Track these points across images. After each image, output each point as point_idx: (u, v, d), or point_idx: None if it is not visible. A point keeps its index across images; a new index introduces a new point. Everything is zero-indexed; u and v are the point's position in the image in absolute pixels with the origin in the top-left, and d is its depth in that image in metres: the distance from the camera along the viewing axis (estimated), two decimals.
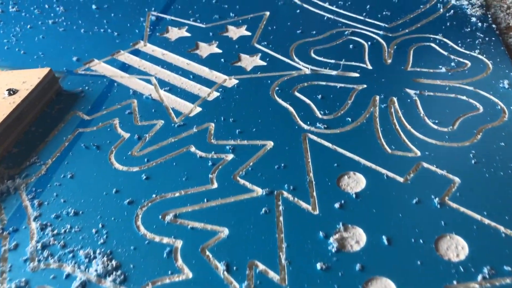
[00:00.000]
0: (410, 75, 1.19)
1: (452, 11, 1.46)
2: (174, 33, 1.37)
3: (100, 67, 1.23)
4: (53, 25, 1.41)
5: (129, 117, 1.06)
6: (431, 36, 1.34)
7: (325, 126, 1.03)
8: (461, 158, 0.95)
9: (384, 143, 0.98)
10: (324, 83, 1.16)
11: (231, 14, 1.46)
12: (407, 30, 1.37)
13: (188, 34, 1.36)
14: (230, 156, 0.96)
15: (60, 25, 1.42)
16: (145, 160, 0.95)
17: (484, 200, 0.85)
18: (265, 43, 1.32)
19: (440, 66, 1.21)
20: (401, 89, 1.14)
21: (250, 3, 1.51)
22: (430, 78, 1.17)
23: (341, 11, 1.47)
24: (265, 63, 1.24)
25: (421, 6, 1.49)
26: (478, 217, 0.82)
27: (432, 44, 1.31)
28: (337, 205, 0.84)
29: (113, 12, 1.47)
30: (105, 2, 1.53)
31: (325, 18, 1.44)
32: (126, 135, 1.01)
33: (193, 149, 0.97)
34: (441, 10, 1.47)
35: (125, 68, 1.22)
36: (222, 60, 1.25)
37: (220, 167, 0.93)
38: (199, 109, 1.09)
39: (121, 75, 1.19)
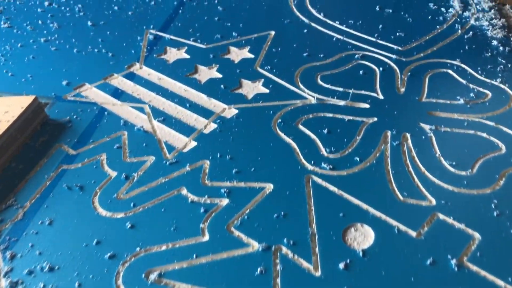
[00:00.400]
0: (425, 107, 1.08)
1: (471, 32, 1.35)
2: (173, 55, 1.28)
3: (91, 92, 1.14)
4: (45, 43, 1.33)
5: (118, 152, 0.97)
6: (448, 61, 1.24)
7: (331, 166, 0.93)
8: (482, 208, 0.84)
9: (396, 189, 0.88)
10: (331, 115, 1.06)
11: (233, 33, 1.36)
12: (422, 54, 1.27)
13: (187, 56, 1.27)
14: (224, 201, 0.86)
15: (52, 43, 1.34)
16: (131, 204, 0.86)
17: (508, 262, 0.75)
18: (269, 67, 1.22)
19: (458, 97, 1.11)
20: (415, 123, 1.04)
21: (255, 22, 1.42)
22: (447, 110, 1.07)
23: (352, 31, 1.37)
24: (267, 90, 1.14)
25: (438, 27, 1.39)
26: (501, 283, 0.72)
27: (449, 71, 1.20)
28: (341, 265, 0.75)
29: (110, 30, 1.39)
30: (102, 18, 1.45)
31: (334, 39, 1.34)
32: (113, 174, 0.92)
33: (184, 191, 0.88)
34: (459, 31, 1.37)
35: (118, 94, 1.14)
36: (222, 86, 1.16)
37: (213, 214, 0.84)
38: (194, 143, 1.00)
39: (113, 102, 1.11)
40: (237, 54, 1.28)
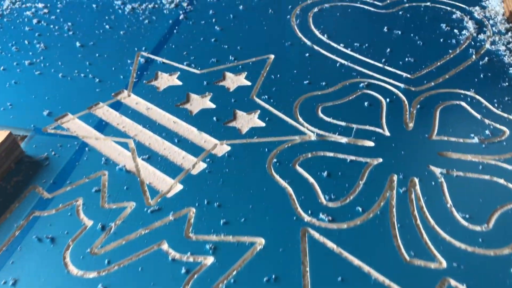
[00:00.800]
0: (435, 146, 0.98)
1: (486, 58, 1.25)
2: (164, 81, 1.19)
3: (74, 124, 1.05)
4: (29, 66, 1.25)
5: (96, 196, 0.88)
6: (462, 92, 1.14)
7: (330, 218, 0.83)
8: (500, 274, 0.74)
9: (402, 246, 0.78)
10: (331, 154, 0.96)
11: (230, 57, 1.27)
12: (432, 83, 1.16)
13: (179, 83, 1.18)
14: (209, 260, 0.77)
15: (37, 66, 1.25)
16: (106, 261, 0.77)
17: None
18: (266, 96, 1.13)
19: (472, 135, 1.00)
20: (424, 166, 0.94)
21: (254, 44, 1.32)
22: (459, 150, 0.97)
23: (357, 55, 1.27)
24: (263, 124, 1.04)
25: (450, 51, 1.28)
26: None
27: (463, 103, 1.10)
28: None
29: (99, 52, 1.30)
30: (92, 38, 1.36)
31: (338, 65, 1.24)
32: (89, 223, 0.83)
33: (165, 246, 0.79)
34: (474, 56, 1.26)
35: (102, 126, 1.05)
36: (215, 118, 1.06)
37: (195, 276, 0.75)
38: (179, 186, 0.90)
39: (96, 136, 1.02)
40: (233, 81, 1.19)
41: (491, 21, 1.42)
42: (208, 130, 1.04)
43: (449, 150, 0.98)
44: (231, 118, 1.08)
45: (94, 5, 1.54)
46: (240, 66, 1.25)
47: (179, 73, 1.23)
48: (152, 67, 1.25)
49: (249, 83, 1.18)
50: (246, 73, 1.22)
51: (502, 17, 1.43)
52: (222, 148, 0.99)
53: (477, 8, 1.49)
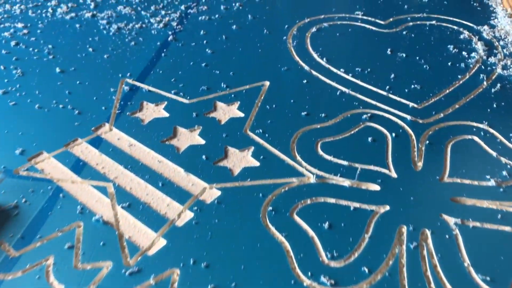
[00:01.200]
0: (447, 190, 0.88)
1: (498, 85, 1.15)
2: (149, 112, 1.09)
3: (48, 165, 0.95)
4: (4, 96, 1.14)
5: (69, 254, 0.77)
6: (474, 124, 1.04)
7: (333, 282, 0.73)
8: None
9: None
10: (333, 200, 0.86)
11: (222, 84, 1.17)
12: (442, 114, 1.06)
13: (166, 114, 1.07)
14: None
15: (12, 96, 1.15)
16: None
17: None
18: (261, 130, 1.02)
19: (488, 176, 0.90)
20: (437, 215, 0.83)
21: (248, 68, 1.23)
22: (474, 195, 0.87)
23: (359, 82, 1.17)
24: (257, 163, 0.94)
25: (459, 77, 1.18)
26: None
27: (475, 138, 1.00)
28: None
29: (80, 78, 1.19)
30: (73, 63, 1.26)
31: (338, 93, 1.14)
32: None
33: None
34: (485, 83, 1.16)
35: (79, 167, 0.94)
36: (204, 156, 0.96)
37: None
38: (163, 241, 0.80)
39: (72, 179, 0.91)
40: (225, 112, 1.08)
41: (501, 42, 1.32)
42: (196, 171, 0.94)
43: (463, 195, 0.87)
44: (222, 156, 0.97)
45: (77, 25, 1.43)
46: (232, 95, 1.14)
47: (166, 102, 1.12)
48: (137, 96, 1.14)
49: (242, 115, 1.08)
50: (239, 102, 1.12)
51: None
52: (212, 193, 0.89)
53: (485, 27, 1.39)
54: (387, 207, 0.86)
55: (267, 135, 1.03)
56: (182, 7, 1.54)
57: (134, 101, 1.14)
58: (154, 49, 1.33)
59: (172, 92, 1.16)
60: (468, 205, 0.86)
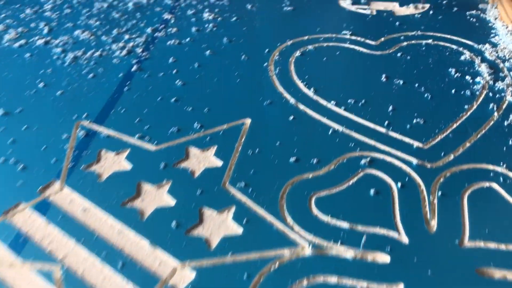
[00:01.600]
0: (470, 258, 0.73)
1: (511, 116, 0.98)
2: (108, 164, 0.90)
3: None
4: None
5: None
6: (490, 167, 0.88)
7: None
8: None
9: None
10: (335, 279, 0.70)
11: (195, 124, 0.99)
12: (452, 156, 0.91)
13: (127, 167, 0.89)
14: None
15: None
16: None
17: None
18: (243, 183, 0.85)
19: None
20: None
21: (225, 103, 1.07)
22: (504, 265, 0.71)
23: (353, 116, 1.01)
24: (240, 230, 0.76)
25: (466, 107, 1.02)
26: None
27: (494, 185, 0.85)
28: None
29: (27, 122, 1.01)
30: (20, 103, 1.07)
31: (331, 132, 0.97)
32: None
33: None
34: (495, 114, 1.00)
35: (19, 244, 0.76)
36: (174, 223, 0.78)
37: None
38: None
39: (10, 262, 0.73)
40: (199, 160, 0.90)
41: (506, 64, 1.18)
42: (164, 244, 0.76)
43: (489, 264, 0.72)
44: (196, 221, 0.79)
45: (27, 54, 1.24)
46: (208, 137, 0.97)
47: (129, 150, 0.94)
48: (94, 143, 0.96)
49: (219, 163, 0.90)
50: (215, 147, 0.94)
51: None
52: (184, 276, 0.71)
53: (487, 46, 1.25)
54: (401, 286, 0.68)
55: (250, 189, 0.85)
56: (149, 30, 1.35)
57: (90, 149, 0.95)
58: (116, 82, 1.14)
59: (136, 136, 0.98)
60: (497, 280, 0.69)
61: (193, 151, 0.95)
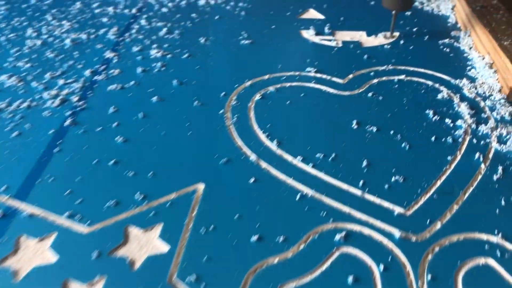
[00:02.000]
0: None
1: (500, 168, 0.89)
2: (28, 256, 0.75)
3: None
4: None
5: None
6: (483, 237, 0.75)
7: None
8: None
9: None
10: None
11: (137, 195, 0.82)
12: (439, 224, 0.78)
13: (53, 259, 0.72)
14: None
15: None
16: None
17: None
18: (194, 277, 0.70)
19: None
20: None
21: (173, 165, 0.92)
22: None
23: (322, 175, 0.87)
24: None
25: (449, 158, 0.89)
26: None
27: (490, 262, 0.72)
28: None
29: None
30: None
31: (298, 198, 0.82)
32: None
33: None
34: (483, 166, 0.88)
35: None
36: None
37: None
38: None
39: None
40: (140, 245, 0.74)
41: (487, 102, 1.06)
42: None
43: None
44: None
45: None
46: (152, 212, 0.80)
47: (56, 234, 0.75)
48: (12, 227, 0.78)
49: (165, 249, 0.74)
50: (161, 225, 0.77)
51: (500, 94, 1.06)
52: None
53: (464, 81, 1.13)
54: None
55: (204, 284, 0.68)
56: (87, 73, 1.18)
57: (7, 235, 0.78)
58: (45, 141, 0.96)
59: (65, 214, 0.80)
60: None
61: (134, 231, 0.78)
